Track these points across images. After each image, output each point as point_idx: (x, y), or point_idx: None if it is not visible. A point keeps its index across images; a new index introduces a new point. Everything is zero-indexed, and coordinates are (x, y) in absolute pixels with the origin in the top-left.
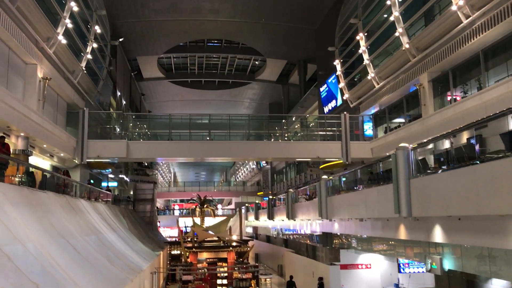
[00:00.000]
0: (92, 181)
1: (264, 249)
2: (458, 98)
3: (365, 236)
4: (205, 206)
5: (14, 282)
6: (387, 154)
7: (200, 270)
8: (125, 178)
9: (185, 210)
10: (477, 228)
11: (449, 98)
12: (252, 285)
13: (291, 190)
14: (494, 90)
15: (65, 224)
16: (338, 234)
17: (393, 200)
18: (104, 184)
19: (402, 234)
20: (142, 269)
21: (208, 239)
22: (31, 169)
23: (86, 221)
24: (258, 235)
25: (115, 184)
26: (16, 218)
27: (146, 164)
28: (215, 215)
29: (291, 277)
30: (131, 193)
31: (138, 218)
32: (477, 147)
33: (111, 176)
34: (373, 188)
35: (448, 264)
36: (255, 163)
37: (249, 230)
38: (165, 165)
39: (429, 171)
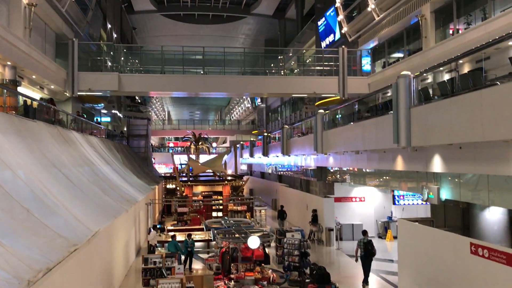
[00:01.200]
0: (84, 115)
1: (258, 185)
2: (461, 31)
3: (360, 170)
4: (199, 143)
5: (4, 207)
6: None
7: (195, 203)
8: (119, 114)
9: (180, 148)
10: (478, 156)
11: (451, 30)
12: (247, 217)
13: (286, 126)
14: (500, 20)
15: (57, 154)
16: (333, 169)
17: (392, 130)
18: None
19: (400, 165)
20: (137, 201)
21: (203, 173)
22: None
23: (79, 153)
24: (252, 172)
25: (108, 119)
26: (4, 145)
27: (139, 100)
28: (210, 153)
29: (282, 206)
30: (125, 129)
31: (133, 154)
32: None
33: (104, 111)
34: (371, 119)
35: (446, 194)
36: (249, 102)
37: (244, 167)
38: (158, 103)
39: (431, 100)
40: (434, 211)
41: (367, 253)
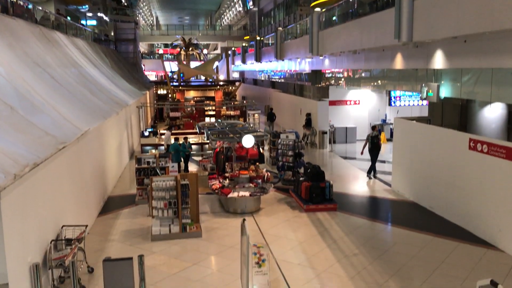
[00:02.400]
0: (69, 17)
1: (250, 92)
2: None
3: (356, 73)
4: (190, 49)
5: None
6: None
7: (187, 108)
8: (105, 17)
9: (170, 56)
10: (484, 49)
11: None
12: (240, 121)
13: (280, 28)
14: None
15: (40, 53)
16: (328, 74)
17: (392, 26)
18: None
19: (399, 63)
20: (128, 104)
21: (195, 79)
22: None
23: (65, 54)
24: (245, 79)
25: (94, 22)
26: None
27: (125, 3)
28: (200, 59)
29: (271, 109)
30: (112, 34)
31: (122, 59)
32: None
33: (89, 14)
34: (370, 15)
35: (445, 91)
36: (241, 5)
37: (236, 75)
38: (146, 7)
39: None
40: (432, 110)
41: (373, 146)
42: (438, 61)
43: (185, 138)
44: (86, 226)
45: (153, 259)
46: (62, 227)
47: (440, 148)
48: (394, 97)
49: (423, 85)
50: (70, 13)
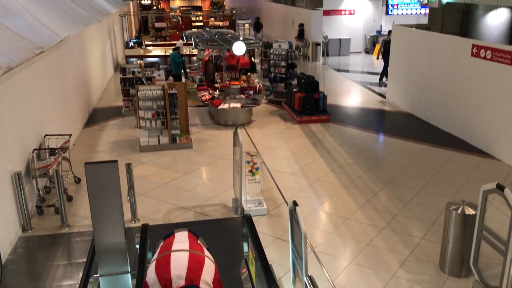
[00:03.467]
0: None
1: (239, 4)
2: None
3: None
4: None
5: None
6: None
7: (174, 19)
8: None
9: None
10: None
11: None
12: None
13: None
14: None
15: None
16: None
17: None
18: None
19: None
20: (110, 13)
21: None
22: None
23: None
24: None
25: None
26: None
27: None
28: None
29: (257, 18)
30: None
31: None
32: None
33: None
34: None
35: None
36: None
37: None
38: None
39: None
40: (431, 18)
41: (386, 52)
42: None
43: (175, 49)
44: (70, 135)
45: (142, 169)
46: (44, 137)
47: (440, 56)
48: (391, 5)
49: None
50: None
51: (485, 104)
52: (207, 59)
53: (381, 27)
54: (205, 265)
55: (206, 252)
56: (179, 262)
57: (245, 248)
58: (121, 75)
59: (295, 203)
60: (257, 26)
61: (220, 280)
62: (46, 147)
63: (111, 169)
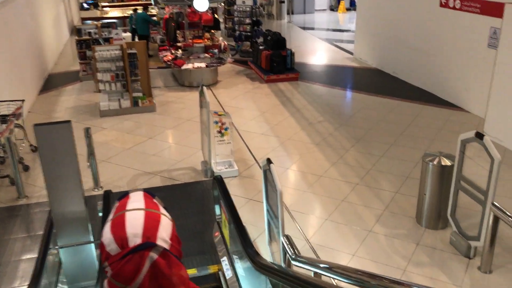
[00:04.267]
0: None
1: None
2: None
3: None
4: None
5: None
6: None
7: None
8: None
9: None
10: None
11: None
12: None
13: None
14: None
15: None
16: None
17: None
18: None
19: None
20: None
21: None
22: None
23: None
24: None
25: None
26: None
27: None
28: None
29: None
30: None
31: None
32: None
33: None
34: None
35: None
36: None
37: None
38: None
39: None
40: None
41: None
42: None
43: (135, 10)
44: (23, 101)
45: (103, 135)
46: None
47: (407, 8)
48: None
49: None
50: None
51: (454, 56)
52: (167, 16)
53: None
54: (161, 222)
55: (162, 210)
56: (135, 221)
57: (217, 211)
58: (76, 37)
59: (269, 161)
60: None
61: (178, 236)
62: None
63: (65, 130)
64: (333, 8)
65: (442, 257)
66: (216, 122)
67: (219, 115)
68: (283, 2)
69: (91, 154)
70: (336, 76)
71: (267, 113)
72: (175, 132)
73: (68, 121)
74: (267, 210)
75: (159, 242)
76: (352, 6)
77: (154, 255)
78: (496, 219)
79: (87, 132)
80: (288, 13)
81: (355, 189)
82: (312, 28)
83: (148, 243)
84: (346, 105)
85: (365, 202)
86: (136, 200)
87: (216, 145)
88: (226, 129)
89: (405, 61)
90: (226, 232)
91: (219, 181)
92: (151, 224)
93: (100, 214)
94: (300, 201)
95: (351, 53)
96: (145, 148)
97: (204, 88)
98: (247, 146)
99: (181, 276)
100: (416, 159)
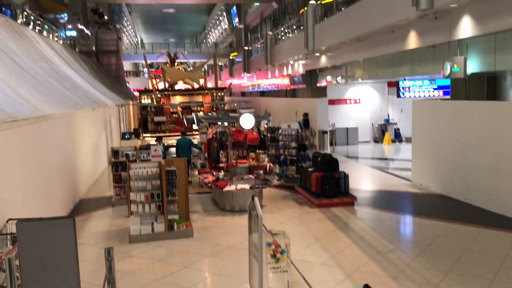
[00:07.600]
0: (46, 26)
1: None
2: None
3: (357, 63)
4: (175, 64)
5: None
6: None
7: (174, 115)
8: (86, 30)
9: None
10: None
11: None
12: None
13: (270, 32)
14: None
15: (3, 39)
16: (326, 68)
17: None
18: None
19: (413, 42)
20: (107, 105)
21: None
22: None
23: (34, 48)
24: (232, 93)
25: (73, 33)
26: None
27: (106, 17)
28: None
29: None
30: (93, 48)
31: (103, 70)
32: None
33: (69, 26)
34: None
35: (473, 66)
36: (227, 22)
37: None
38: (130, 27)
39: None
40: (453, 89)
41: None
42: (465, 28)
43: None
44: None
45: (131, 263)
46: (7, 221)
47: (475, 125)
48: (403, 88)
49: (445, 61)
50: (48, 21)
51: None
52: (210, 137)
53: (388, 115)
54: None
55: None
56: None
57: None
58: (113, 159)
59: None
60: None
61: None
62: (9, 233)
63: (64, 227)
64: (377, 140)
65: None
66: (270, 244)
67: (273, 234)
68: (326, 133)
69: (109, 282)
70: (397, 201)
71: (323, 240)
72: (215, 260)
73: (70, 217)
74: None
75: None
76: (397, 137)
77: None
78: None
79: (108, 253)
80: (331, 144)
81: None
82: (356, 157)
83: None
84: (417, 232)
85: None
86: None
87: (269, 274)
88: (282, 252)
89: (479, 184)
90: None
91: None
92: None
93: None
94: None
95: (409, 180)
96: (179, 279)
97: (256, 199)
98: (304, 278)
99: None
100: None
